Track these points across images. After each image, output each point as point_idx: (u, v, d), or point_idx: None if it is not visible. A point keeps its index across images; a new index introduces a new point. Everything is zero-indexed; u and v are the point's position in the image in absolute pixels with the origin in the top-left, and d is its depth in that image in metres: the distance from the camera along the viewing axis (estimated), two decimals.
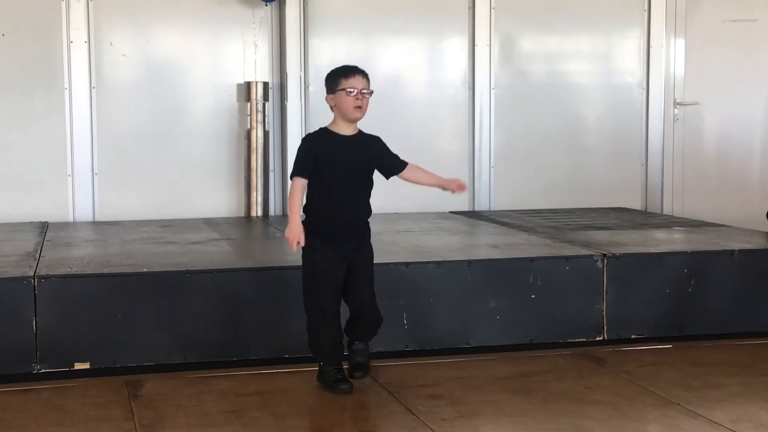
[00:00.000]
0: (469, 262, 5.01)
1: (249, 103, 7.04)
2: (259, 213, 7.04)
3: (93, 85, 6.95)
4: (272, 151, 7.18)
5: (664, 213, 7.73)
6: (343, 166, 4.09)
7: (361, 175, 4.15)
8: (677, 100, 7.99)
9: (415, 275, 4.91)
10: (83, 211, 6.93)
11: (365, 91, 4.09)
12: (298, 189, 4.06)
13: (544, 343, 4.96)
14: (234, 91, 7.15)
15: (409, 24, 7.47)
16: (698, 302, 5.18)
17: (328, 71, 4.17)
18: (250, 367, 4.54)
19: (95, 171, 6.97)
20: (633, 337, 5.09)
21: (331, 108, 4.15)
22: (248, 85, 7.05)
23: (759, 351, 4.92)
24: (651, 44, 7.83)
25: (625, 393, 4.18)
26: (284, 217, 7.08)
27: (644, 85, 7.87)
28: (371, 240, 4.26)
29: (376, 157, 4.21)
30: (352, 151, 4.12)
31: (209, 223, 6.64)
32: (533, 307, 5.00)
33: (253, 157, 7.03)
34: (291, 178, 4.13)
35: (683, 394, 4.13)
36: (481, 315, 4.95)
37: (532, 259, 5.07)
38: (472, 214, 7.17)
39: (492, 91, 7.52)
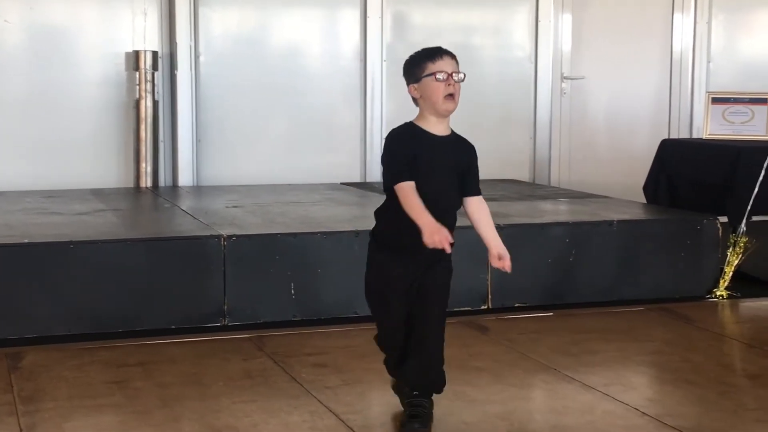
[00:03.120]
0: (357, 233, 5.06)
1: (138, 73, 6.94)
2: (149, 184, 6.96)
3: None
4: (162, 121, 7.10)
5: (552, 185, 7.91)
6: (437, 174, 3.31)
7: (453, 186, 3.37)
8: (564, 75, 8.16)
9: (303, 246, 4.94)
10: None
11: (457, 75, 3.33)
12: (410, 192, 3.23)
13: None
14: (122, 60, 7.04)
15: None
16: (579, 271, 5.33)
17: (408, 57, 3.42)
18: (135, 338, 4.52)
19: None
20: (516, 305, 5.22)
21: (415, 101, 3.39)
22: (137, 54, 6.94)
23: (635, 318, 5.09)
24: (539, 19, 7.97)
25: (506, 360, 4.30)
26: (174, 187, 7.04)
27: (533, 59, 8.01)
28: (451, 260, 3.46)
29: (466, 165, 3.41)
30: (448, 157, 3.34)
31: (96, 193, 6.54)
32: None
33: (142, 127, 6.94)
34: (388, 189, 3.32)
35: (561, 359, 4.26)
36: None
37: None
38: (364, 186, 7.22)
39: (384, 63, 7.56)
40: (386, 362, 3.57)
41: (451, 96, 3.29)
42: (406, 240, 3.26)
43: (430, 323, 3.39)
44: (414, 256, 3.33)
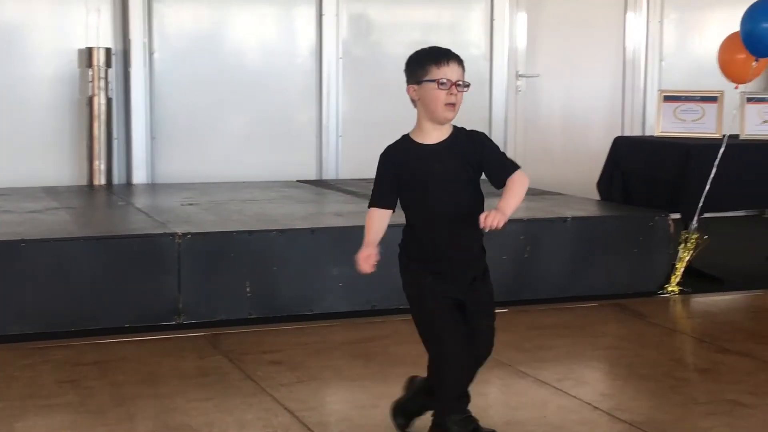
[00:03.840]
0: (313, 230, 5.06)
1: (91, 70, 6.88)
2: (102, 181, 6.91)
3: None
4: (115, 118, 7.04)
5: None
6: (433, 185, 3.09)
7: (460, 193, 3.12)
8: (519, 72, 8.22)
9: (259, 243, 4.94)
10: None
11: (461, 83, 3.09)
12: (370, 217, 3.19)
13: (385, 309, 5.06)
14: (75, 57, 6.98)
15: None
16: (534, 268, 5.38)
17: (412, 54, 3.19)
18: (89, 338, 4.48)
19: None
20: None
21: (413, 103, 3.16)
22: (90, 51, 6.88)
23: (589, 314, 5.14)
24: (494, 17, 8.01)
25: None
26: (128, 185, 7.00)
27: (488, 57, 8.05)
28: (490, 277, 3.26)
29: (478, 164, 3.12)
30: (444, 165, 3.09)
31: (49, 191, 6.48)
32: (375, 274, 5.04)
33: (95, 124, 6.89)
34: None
35: (516, 355, 4.29)
36: (324, 282, 5.01)
37: None
38: (320, 183, 7.22)
39: (339, 60, 7.56)
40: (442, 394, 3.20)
41: (452, 105, 3.07)
42: (429, 254, 3.15)
43: (479, 347, 3.20)
44: (445, 272, 3.14)
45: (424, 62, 3.10)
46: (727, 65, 6.10)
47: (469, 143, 3.13)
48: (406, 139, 3.18)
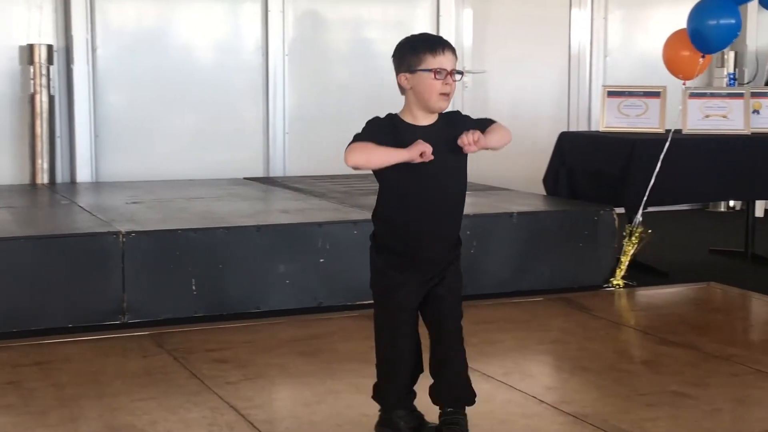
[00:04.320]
0: (258, 228, 5.04)
1: (32, 67, 6.78)
2: (45, 180, 6.81)
3: None
4: (58, 116, 6.95)
5: None
6: (421, 170, 2.97)
7: (449, 178, 3.06)
8: (466, 69, 8.24)
9: (205, 241, 4.90)
10: None
11: (456, 72, 3.03)
12: (367, 144, 2.97)
13: (332, 306, 5.06)
14: (16, 54, 6.87)
15: None
16: (480, 263, 5.39)
17: (403, 40, 3.09)
18: (31, 338, 4.42)
19: None
20: None
21: (402, 90, 3.06)
22: (31, 47, 6.78)
23: (534, 308, 5.18)
24: (441, 14, 8.03)
25: None
26: (72, 184, 6.91)
27: None
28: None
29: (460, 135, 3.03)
30: (436, 149, 2.96)
31: None
32: (322, 271, 5.08)
33: (38, 122, 6.79)
34: (346, 158, 3.00)
35: None
36: (270, 280, 4.99)
37: (320, 224, 5.14)
38: (266, 180, 7.18)
39: (286, 57, 7.53)
40: (382, 395, 3.23)
41: (446, 95, 2.99)
42: (405, 245, 3.05)
43: (449, 340, 3.16)
44: (419, 263, 3.07)
45: (419, 50, 3.00)
46: (672, 62, 6.18)
47: (451, 122, 3.08)
48: (396, 117, 3.07)
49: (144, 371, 4.00)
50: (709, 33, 5.96)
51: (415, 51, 3.00)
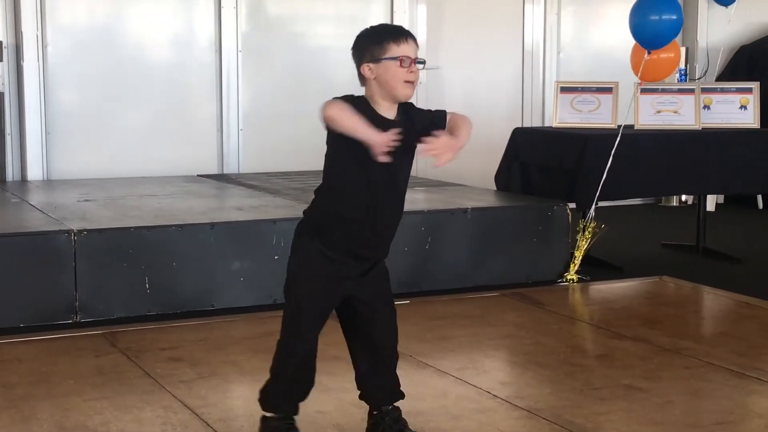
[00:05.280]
0: (212, 225, 5.01)
1: None
2: None
3: None
4: (8, 113, 6.87)
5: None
6: (376, 164, 2.92)
7: (399, 173, 3.06)
8: None
9: (157, 239, 4.87)
10: None
11: (419, 60, 3.02)
12: (343, 106, 2.92)
13: None
14: None
15: None
16: (435, 259, 5.41)
17: (364, 30, 3.08)
18: None
19: None
20: None
21: (362, 81, 3.04)
22: None
23: (489, 303, 5.20)
24: (394, 10, 8.03)
25: None
26: (23, 182, 6.83)
27: None
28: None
29: (418, 134, 3.00)
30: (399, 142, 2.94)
31: None
32: (277, 269, 5.05)
33: None
34: (323, 109, 2.93)
35: (416, 346, 4.31)
36: (224, 277, 4.97)
37: (275, 221, 5.13)
38: (221, 177, 7.14)
39: (239, 53, 7.49)
40: (270, 394, 3.19)
41: (411, 83, 2.99)
42: (347, 239, 3.04)
43: (385, 335, 3.20)
44: (349, 259, 3.06)
45: (384, 40, 2.99)
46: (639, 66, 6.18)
47: (408, 117, 3.05)
48: (366, 102, 3.01)
49: (96, 371, 3.97)
50: (651, 29, 6.01)
51: (378, 40, 2.99)
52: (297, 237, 3.16)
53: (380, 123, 2.94)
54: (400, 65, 2.95)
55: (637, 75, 6.18)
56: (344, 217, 3.05)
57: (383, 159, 2.88)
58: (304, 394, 3.19)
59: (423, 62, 3.04)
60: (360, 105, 2.97)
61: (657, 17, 6.00)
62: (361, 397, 3.29)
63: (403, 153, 3.01)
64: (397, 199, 3.11)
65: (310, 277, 3.09)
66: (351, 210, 3.04)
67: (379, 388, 3.24)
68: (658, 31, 6.00)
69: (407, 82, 2.98)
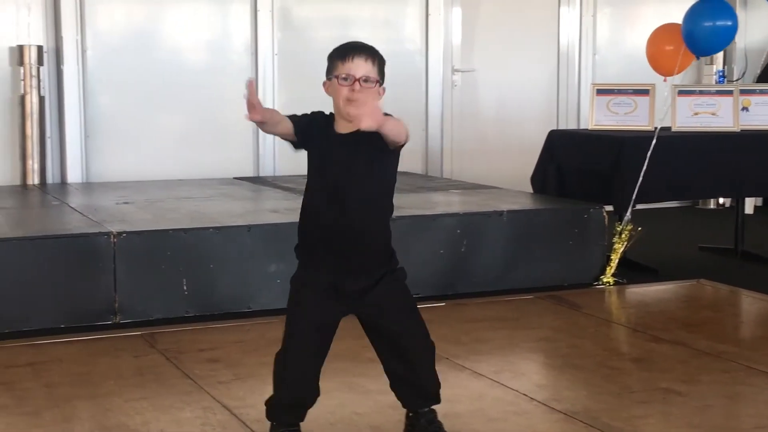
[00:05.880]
0: (249, 227, 5.05)
1: (22, 68, 6.78)
2: (36, 181, 6.82)
3: None
4: (48, 117, 6.96)
5: (444, 176, 8.00)
6: (334, 179, 2.98)
7: (352, 185, 3.00)
8: (455, 67, 8.26)
9: (195, 241, 4.91)
10: None
11: (367, 79, 2.98)
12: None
13: None
14: (6, 55, 6.87)
15: None
16: (470, 261, 5.41)
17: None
18: (23, 339, 4.43)
19: None
20: None
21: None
22: (21, 48, 6.78)
23: (524, 306, 5.19)
24: (429, 13, 8.05)
25: None
26: (63, 185, 6.91)
27: (424, 53, 8.09)
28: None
29: (377, 146, 2.97)
30: (352, 156, 2.99)
31: None
32: None
33: (28, 123, 6.79)
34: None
35: (453, 349, 4.32)
36: (261, 279, 5.00)
37: None
38: (257, 180, 7.19)
39: (275, 57, 7.54)
40: (271, 405, 3.21)
41: (350, 101, 2.95)
42: (323, 251, 3.04)
43: (408, 340, 3.18)
44: (335, 275, 3.05)
45: (333, 58, 3.05)
46: (655, 58, 6.20)
47: (367, 135, 2.93)
48: (326, 117, 3.09)
49: (136, 371, 4.01)
50: (703, 35, 5.98)
51: (330, 58, 3.06)
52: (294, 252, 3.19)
53: (332, 139, 3.01)
54: (339, 83, 2.97)
55: (657, 70, 6.13)
56: (311, 231, 3.09)
57: (251, 118, 3.01)
58: (303, 408, 3.21)
59: (377, 81, 3.00)
60: (318, 119, 3.06)
61: (711, 23, 5.97)
62: (397, 398, 3.30)
63: (353, 165, 2.99)
64: (356, 214, 3.01)
65: (299, 296, 3.16)
66: (313, 224, 3.08)
67: (410, 392, 3.25)
68: (710, 37, 5.97)
69: (346, 100, 2.97)
